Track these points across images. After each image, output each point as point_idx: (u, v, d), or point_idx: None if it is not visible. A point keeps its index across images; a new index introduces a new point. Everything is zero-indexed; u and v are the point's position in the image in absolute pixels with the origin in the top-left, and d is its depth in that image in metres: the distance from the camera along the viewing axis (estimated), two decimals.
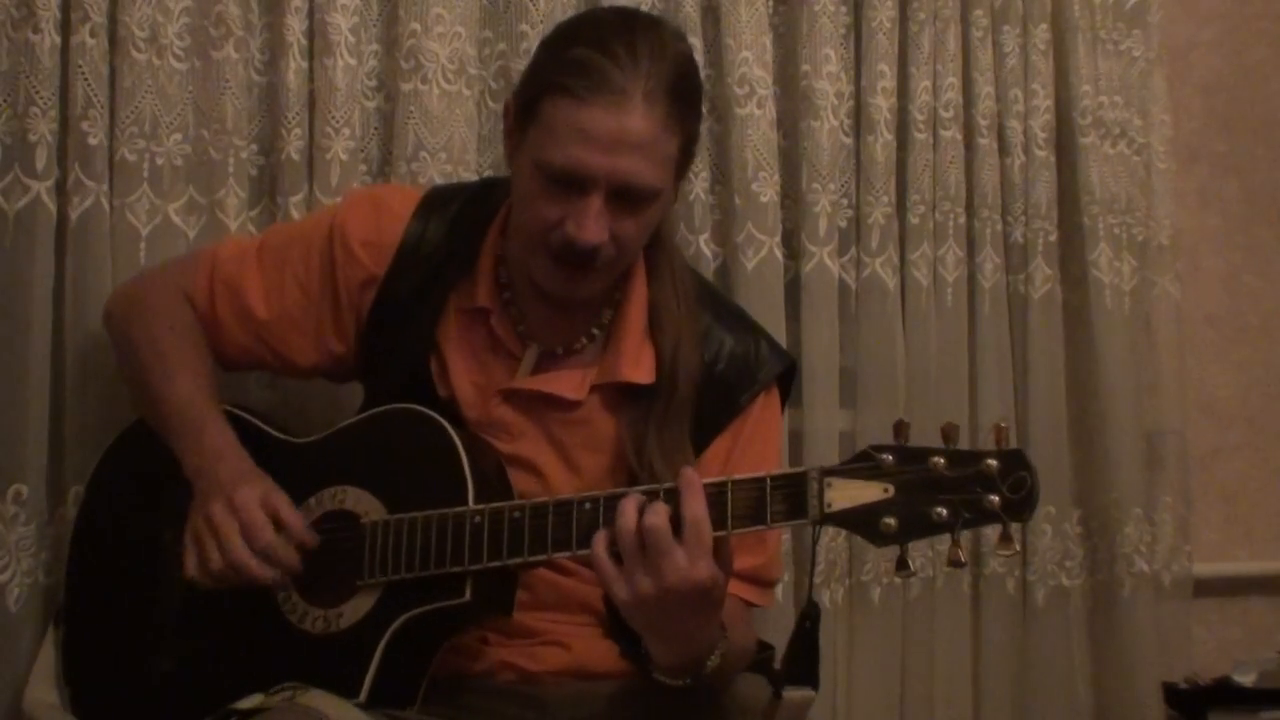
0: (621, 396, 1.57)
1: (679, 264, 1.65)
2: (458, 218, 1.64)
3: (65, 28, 1.83)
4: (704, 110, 2.11)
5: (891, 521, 1.30)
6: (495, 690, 1.56)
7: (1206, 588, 2.52)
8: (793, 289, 2.21)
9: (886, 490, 1.30)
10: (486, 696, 1.55)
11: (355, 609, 1.50)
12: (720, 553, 1.35)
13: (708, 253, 2.16)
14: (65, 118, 1.84)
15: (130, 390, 1.73)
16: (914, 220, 2.27)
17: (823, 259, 2.20)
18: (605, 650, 1.57)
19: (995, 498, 1.28)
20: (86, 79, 1.83)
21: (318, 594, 1.52)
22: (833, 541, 2.19)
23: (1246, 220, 2.70)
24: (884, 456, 1.31)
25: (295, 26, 1.95)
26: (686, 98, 1.50)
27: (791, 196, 2.23)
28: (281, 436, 1.65)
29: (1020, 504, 1.28)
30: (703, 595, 1.34)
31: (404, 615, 1.47)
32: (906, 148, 2.28)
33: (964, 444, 2.24)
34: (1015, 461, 1.29)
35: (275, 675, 1.46)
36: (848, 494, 1.32)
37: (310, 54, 1.97)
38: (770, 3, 2.22)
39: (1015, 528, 1.29)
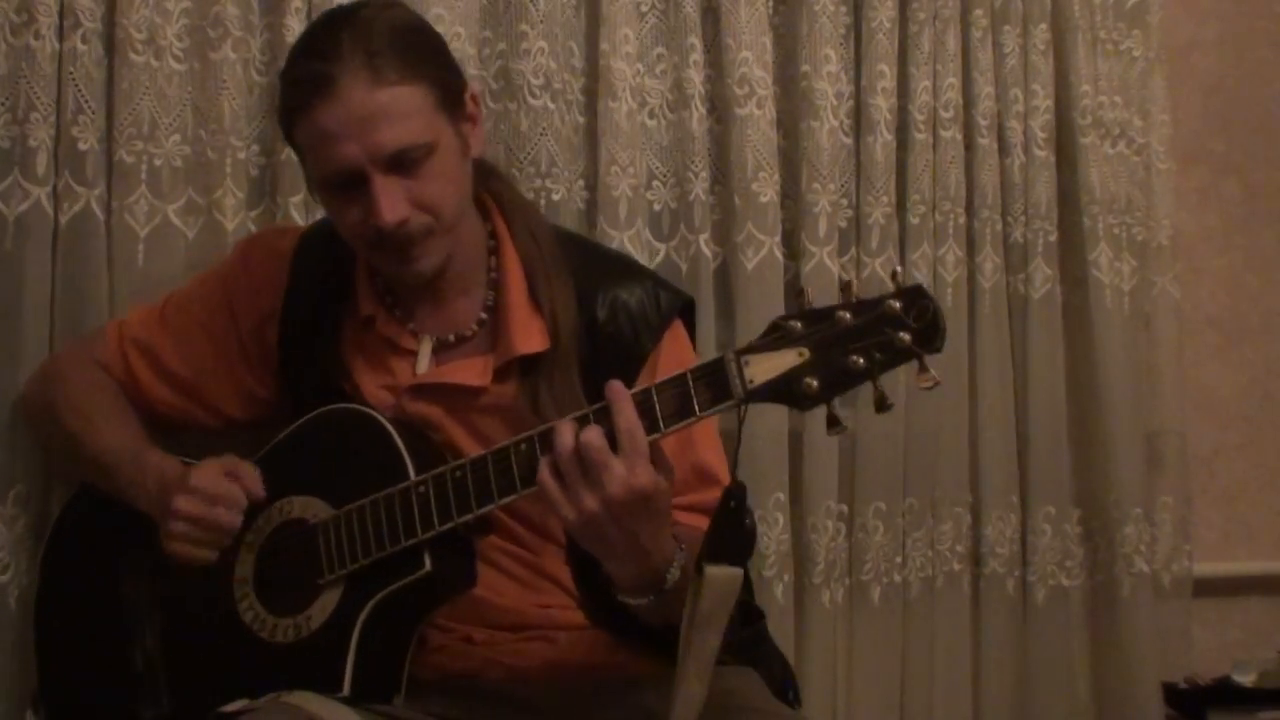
0: (523, 370, 1.60)
1: (534, 221, 1.68)
2: (330, 243, 1.67)
3: (60, 33, 1.84)
4: (705, 111, 2.15)
5: (813, 382, 1.31)
6: (483, 691, 1.56)
7: (1206, 587, 2.52)
8: (793, 289, 2.20)
9: (801, 354, 1.32)
10: (473, 698, 1.56)
11: (323, 608, 1.51)
12: (659, 460, 1.38)
13: (708, 253, 2.16)
14: (59, 123, 1.84)
15: (62, 460, 1.77)
16: (914, 220, 2.27)
17: (823, 259, 2.20)
18: (589, 644, 1.59)
19: (905, 334, 1.29)
20: (77, 84, 1.84)
21: (282, 605, 1.54)
22: (832, 542, 2.19)
23: (1246, 220, 2.70)
24: (791, 324, 1.33)
25: (295, 27, 1.94)
26: (406, 48, 1.51)
27: (791, 196, 2.23)
28: None
29: (928, 331, 1.30)
30: (646, 502, 1.36)
31: (372, 600, 1.48)
32: (906, 148, 2.27)
33: (961, 445, 2.29)
34: (916, 295, 1.31)
35: (261, 694, 1.46)
36: (766, 367, 1.33)
37: None
38: (770, 3, 2.22)
39: (932, 361, 1.31)
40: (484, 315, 1.64)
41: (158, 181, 1.90)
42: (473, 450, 1.56)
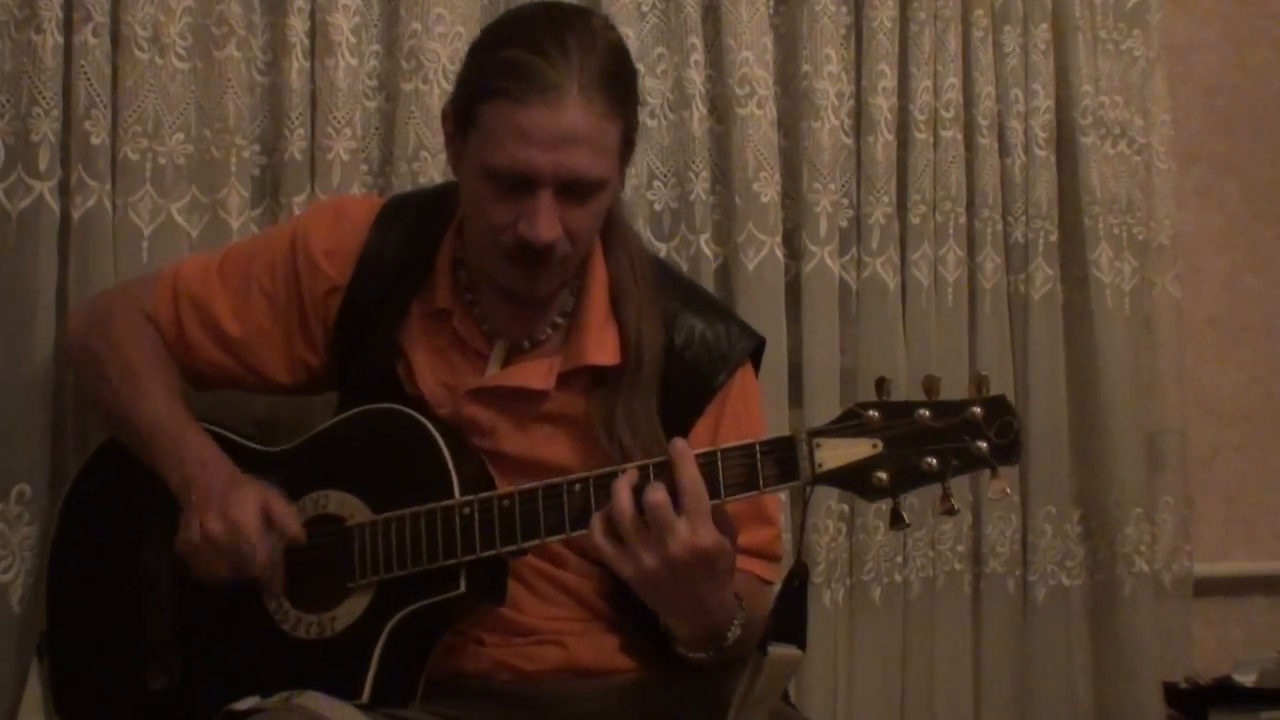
0: (591, 380, 1.58)
1: (634, 244, 1.66)
2: (414, 224, 1.65)
3: (68, 27, 1.84)
4: (706, 111, 2.15)
5: (883, 476, 1.32)
6: (492, 692, 1.56)
7: (1207, 587, 2.52)
8: (793, 289, 2.21)
9: (875, 446, 1.33)
10: (483, 698, 1.55)
11: (349, 611, 1.50)
12: (721, 520, 1.37)
13: (708, 253, 2.16)
14: (68, 117, 1.84)
15: (100, 412, 1.74)
16: (914, 220, 2.27)
17: (823, 259, 2.20)
18: (601, 647, 1.59)
19: (983, 444, 1.31)
20: (89, 79, 1.84)
21: (309, 600, 1.53)
22: (833, 542, 2.19)
23: (1247, 220, 2.70)
24: (870, 413, 1.34)
25: (298, 27, 1.95)
26: (622, 86, 1.50)
27: (792, 196, 2.23)
28: (256, 447, 1.64)
29: (1008, 449, 1.31)
30: (710, 563, 1.36)
31: (400, 613, 1.47)
32: (907, 148, 2.28)
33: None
34: (999, 407, 1.32)
35: (273, 685, 1.46)
36: (837, 453, 1.34)
37: (312, 54, 1.97)
38: (771, 3, 2.22)
39: (1005, 471, 1.32)
40: (560, 320, 1.61)
41: (161, 179, 1.89)
42: (523, 454, 1.55)
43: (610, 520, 1.36)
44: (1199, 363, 2.62)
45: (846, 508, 2.22)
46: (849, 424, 1.34)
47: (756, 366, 1.69)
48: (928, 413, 1.32)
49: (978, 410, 1.31)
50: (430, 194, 1.73)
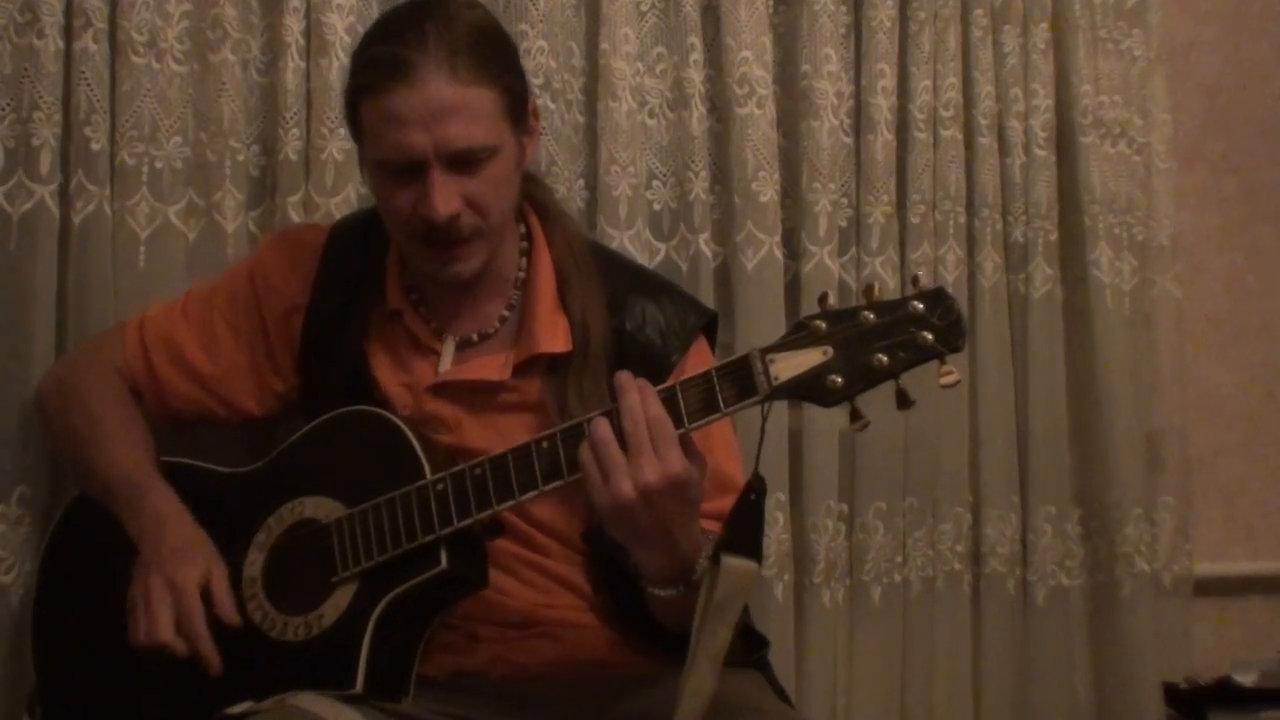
0: (545, 369, 1.62)
1: (572, 231, 1.71)
2: (364, 237, 1.70)
3: (68, 33, 1.84)
4: (705, 111, 2.15)
5: (837, 379, 1.35)
6: (489, 689, 1.56)
7: (1207, 587, 2.52)
8: (793, 289, 2.21)
9: (826, 353, 1.35)
10: (480, 695, 1.56)
11: (335, 606, 1.51)
12: (689, 450, 1.40)
13: (708, 252, 2.16)
14: (68, 123, 1.84)
15: (69, 465, 1.76)
16: (914, 220, 2.27)
17: (823, 259, 2.20)
18: (595, 641, 1.60)
19: (928, 334, 1.33)
20: (89, 84, 1.84)
21: (294, 604, 1.53)
22: (833, 542, 2.19)
23: (1247, 220, 2.70)
24: (816, 323, 1.36)
25: (294, 27, 1.95)
26: (487, 52, 1.54)
27: (792, 196, 2.23)
28: (227, 471, 1.67)
29: (951, 331, 1.33)
30: (681, 489, 1.38)
31: (386, 597, 1.48)
32: (906, 147, 2.28)
33: (961, 445, 2.29)
34: (939, 296, 1.35)
35: (268, 691, 1.45)
36: (791, 364, 1.36)
37: (308, 54, 1.97)
38: (770, 2, 2.22)
39: (954, 360, 1.35)
40: (506, 313, 1.66)
41: (158, 183, 1.90)
42: (488, 446, 1.56)
43: (594, 449, 1.39)
44: (1199, 363, 2.61)
45: (845, 507, 2.22)
46: (798, 335, 1.37)
47: (711, 341, 1.73)
48: (871, 314, 1.35)
49: (919, 304, 1.34)
50: (374, 209, 1.77)
